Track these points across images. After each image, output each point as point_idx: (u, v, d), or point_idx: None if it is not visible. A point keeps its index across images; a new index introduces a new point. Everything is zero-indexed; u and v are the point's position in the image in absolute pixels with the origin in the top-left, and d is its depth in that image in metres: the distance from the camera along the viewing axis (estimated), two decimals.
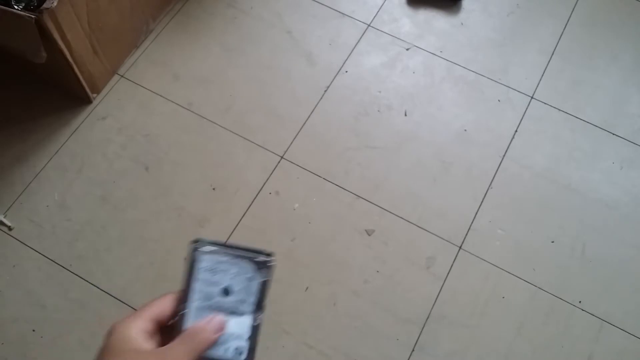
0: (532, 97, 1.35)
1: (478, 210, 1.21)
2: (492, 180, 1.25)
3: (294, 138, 1.27)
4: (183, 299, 0.49)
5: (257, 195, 1.21)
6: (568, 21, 1.46)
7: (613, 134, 1.31)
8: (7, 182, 1.21)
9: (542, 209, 1.22)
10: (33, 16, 1.03)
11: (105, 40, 1.24)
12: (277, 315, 1.10)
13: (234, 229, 1.17)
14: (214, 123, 1.29)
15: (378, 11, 1.46)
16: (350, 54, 1.39)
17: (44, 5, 1.04)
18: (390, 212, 1.20)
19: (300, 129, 1.29)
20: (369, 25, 1.44)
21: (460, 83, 1.37)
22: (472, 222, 1.20)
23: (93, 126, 1.28)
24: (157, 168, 1.23)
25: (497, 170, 1.26)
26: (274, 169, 1.24)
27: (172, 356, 0.45)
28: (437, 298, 1.12)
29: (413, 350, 1.08)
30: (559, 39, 1.43)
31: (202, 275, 0.50)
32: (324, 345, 1.07)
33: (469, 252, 1.17)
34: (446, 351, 1.08)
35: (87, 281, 1.12)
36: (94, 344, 1.06)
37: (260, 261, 0.50)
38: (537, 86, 1.37)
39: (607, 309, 1.12)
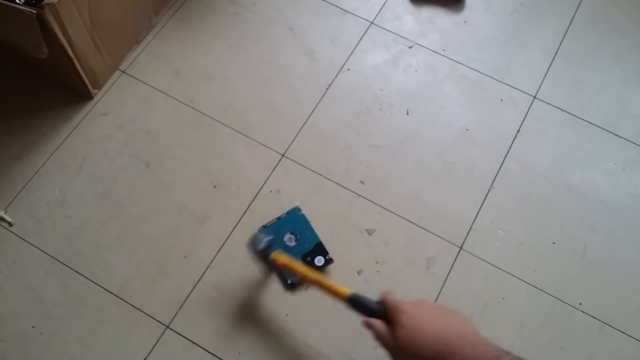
0: (534, 97, 1.34)
1: (479, 210, 1.21)
2: (493, 181, 1.24)
3: (295, 136, 1.27)
4: None
5: (257, 193, 1.21)
6: (572, 20, 1.45)
7: (616, 135, 1.30)
8: (8, 178, 1.20)
9: (544, 209, 1.22)
10: (34, 11, 1.02)
11: (106, 35, 1.24)
12: (276, 315, 1.09)
13: (235, 226, 1.17)
14: (215, 120, 1.28)
15: (381, 8, 1.45)
16: (352, 51, 1.39)
17: (46, 0, 1.03)
18: (390, 212, 1.20)
19: (302, 127, 1.28)
20: (371, 23, 1.43)
21: (463, 82, 1.36)
22: (473, 223, 1.19)
23: (94, 122, 1.27)
24: (158, 165, 1.23)
25: (498, 170, 1.25)
26: (275, 167, 1.23)
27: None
28: (437, 298, 1.12)
29: None
30: (563, 38, 1.42)
31: None
32: (324, 345, 1.07)
33: (470, 253, 1.16)
34: None
35: (87, 278, 1.12)
36: (93, 341, 1.06)
37: None
38: (540, 86, 1.36)
39: (607, 311, 1.12)
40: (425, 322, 0.76)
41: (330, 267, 1.14)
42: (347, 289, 0.89)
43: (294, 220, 1.16)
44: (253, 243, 1.01)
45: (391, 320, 0.79)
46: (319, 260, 1.12)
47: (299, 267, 0.97)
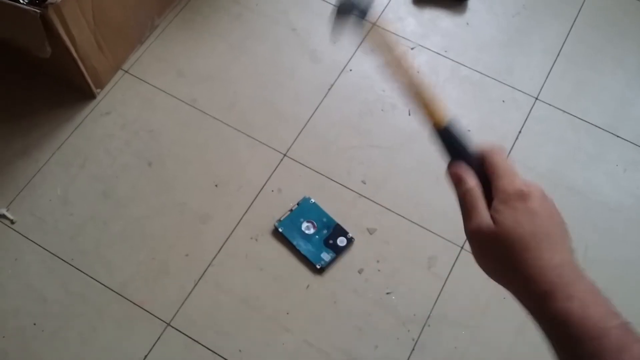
0: (536, 98, 1.35)
1: None
2: None
3: (297, 136, 1.27)
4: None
5: (259, 192, 1.21)
6: (574, 22, 1.45)
7: (617, 136, 1.30)
8: (11, 176, 1.21)
9: None
10: (38, 11, 1.03)
11: (110, 35, 1.24)
12: (277, 313, 1.10)
13: (236, 226, 1.17)
14: (218, 120, 1.29)
15: (383, 10, 1.46)
16: (354, 52, 1.39)
17: (49, 0, 1.04)
18: (392, 211, 1.20)
19: (304, 127, 1.29)
20: (374, 24, 1.43)
21: (465, 83, 1.36)
22: None
23: (96, 121, 1.28)
24: (160, 164, 1.23)
25: None
26: (277, 166, 1.24)
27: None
28: (438, 298, 1.12)
29: (413, 349, 1.08)
30: (565, 40, 1.43)
31: None
32: (324, 343, 1.07)
33: (471, 253, 1.16)
34: (446, 351, 1.08)
35: (88, 276, 1.12)
36: (95, 339, 1.06)
37: None
38: (542, 87, 1.36)
39: None
40: (545, 233, 0.49)
41: (332, 267, 1.14)
42: (445, 113, 0.60)
43: (307, 209, 1.18)
44: None
45: (496, 192, 0.51)
46: (342, 241, 1.14)
47: (397, 55, 0.65)
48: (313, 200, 1.18)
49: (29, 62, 1.29)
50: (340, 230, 1.16)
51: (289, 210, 1.17)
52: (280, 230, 1.15)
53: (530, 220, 0.49)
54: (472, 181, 0.53)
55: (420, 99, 0.61)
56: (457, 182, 0.54)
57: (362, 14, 0.70)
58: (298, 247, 1.14)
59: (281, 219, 1.16)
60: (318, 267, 1.12)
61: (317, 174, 1.23)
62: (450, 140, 0.59)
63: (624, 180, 1.25)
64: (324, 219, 1.16)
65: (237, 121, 1.29)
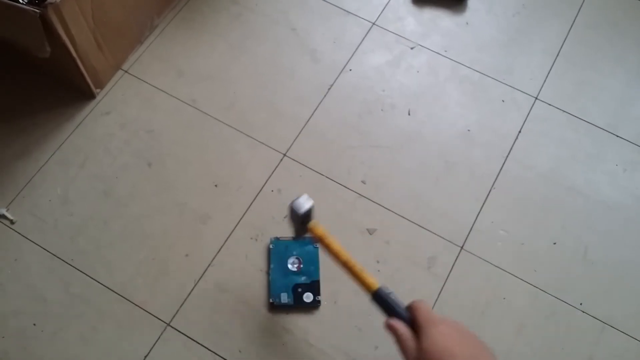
0: (536, 98, 1.35)
1: (480, 210, 1.21)
2: (495, 181, 1.24)
3: (297, 136, 1.27)
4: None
5: (259, 192, 1.21)
6: (574, 22, 1.45)
7: (617, 136, 1.30)
8: (10, 176, 1.21)
9: (545, 210, 1.22)
10: (37, 10, 1.03)
11: (109, 35, 1.24)
12: (277, 313, 1.10)
13: (236, 225, 1.17)
14: (217, 120, 1.29)
15: (383, 9, 1.46)
16: (354, 52, 1.39)
17: (49, 0, 1.04)
18: (392, 212, 1.20)
19: (303, 127, 1.29)
20: (373, 24, 1.43)
21: (465, 83, 1.36)
22: (474, 223, 1.19)
23: (96, 121, 1.28)
24: (160, 164, 1.23)
25: (500, 170, 1.25)
26: (277, 166, 1.24)
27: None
28: (437, 298, 1.12)
29: None
30: (565, 39, 1.43)
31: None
32: (325, 343, 1.07)
33: (471, 253, 1.16)
34: None
35: (88, 276, 1.12)
36: (95, 339, 1.06)
37: None
38: (542, 87, 1.36)
39: (608, 312, 1.12)
40: (456, 345, 0.68)
41: (332, 267, 1.13)
42: (376, 281, 0.81)
43: (306, 249, 1.14)
44: (295, 206, 0.91)
45: (419, 330, 0.71)
46: (308, 297, 1.10)
47: (333, 243, 0.89)
48: (317, 246, 1.14)
49: (29, 62, 1.29)
50: (314, 287, 1.10)
51: (292, 237, 1.15)
52: (270, 246, 1.14)
53: (443, 338, 0.68)
54: (402, 328, 0.72)
55: (354, 273, 0.85)
56: (392, 331, 0.73)
57: (305, 218, 0.93)
58: (270, 271, 1.12)
59: (279, 238, 1.15)
60: (270, 301, 1.09)
61: (317, 174, 1.23)
62: (382, 301, 0.79)
63: (623, 180, 1.26)
64: (312, 268, 1.12)
65: (237, 121, 1.29)
